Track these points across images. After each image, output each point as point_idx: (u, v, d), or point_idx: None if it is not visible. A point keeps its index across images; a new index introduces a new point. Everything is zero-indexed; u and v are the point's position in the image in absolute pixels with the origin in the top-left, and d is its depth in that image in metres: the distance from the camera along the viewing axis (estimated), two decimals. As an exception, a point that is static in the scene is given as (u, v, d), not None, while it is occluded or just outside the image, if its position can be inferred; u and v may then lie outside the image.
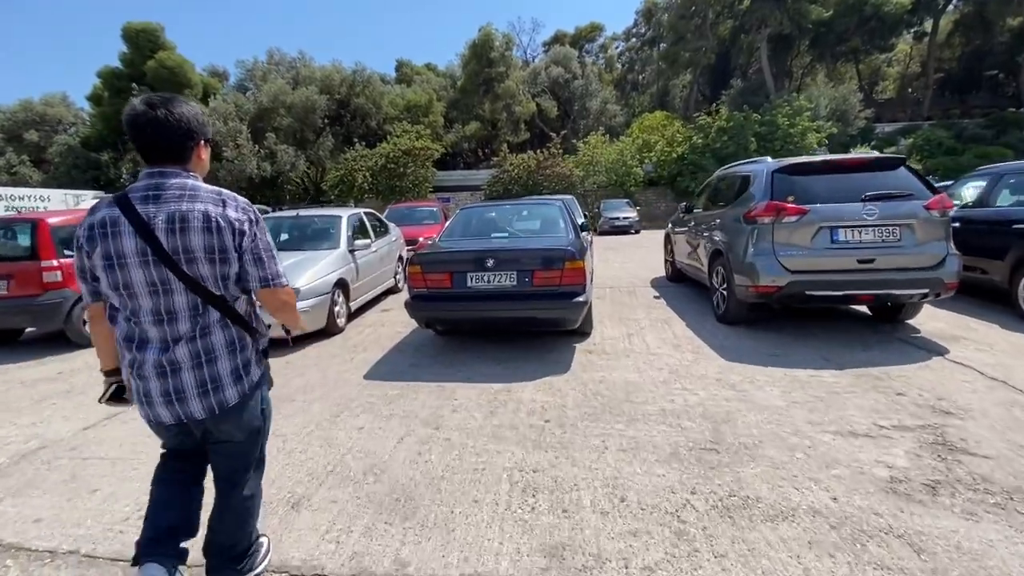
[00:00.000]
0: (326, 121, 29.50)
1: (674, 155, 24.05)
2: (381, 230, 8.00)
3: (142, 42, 28.65)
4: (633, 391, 3.65)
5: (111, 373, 1.69)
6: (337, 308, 5.71)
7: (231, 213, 1.54)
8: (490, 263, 4.27)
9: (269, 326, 1.80)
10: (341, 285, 5.86)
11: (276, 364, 4.65)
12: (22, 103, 32.05)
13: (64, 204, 22.75)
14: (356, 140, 27.27)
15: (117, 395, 1.70)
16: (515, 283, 4.27)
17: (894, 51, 38.18)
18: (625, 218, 19.57)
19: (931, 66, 34.66)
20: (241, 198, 1.62)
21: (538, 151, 24.28)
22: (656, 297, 7.06)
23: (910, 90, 39.25)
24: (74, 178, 28.57)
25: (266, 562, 1.97)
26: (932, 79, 35.00)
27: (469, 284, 4.35)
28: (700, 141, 23.39)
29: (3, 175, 28.16)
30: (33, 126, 29.85)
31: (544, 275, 4.25)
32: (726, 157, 22.81)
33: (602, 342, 4.93)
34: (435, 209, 13.34)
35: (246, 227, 1.55)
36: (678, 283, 8.00)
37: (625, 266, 10.57)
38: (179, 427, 1.63)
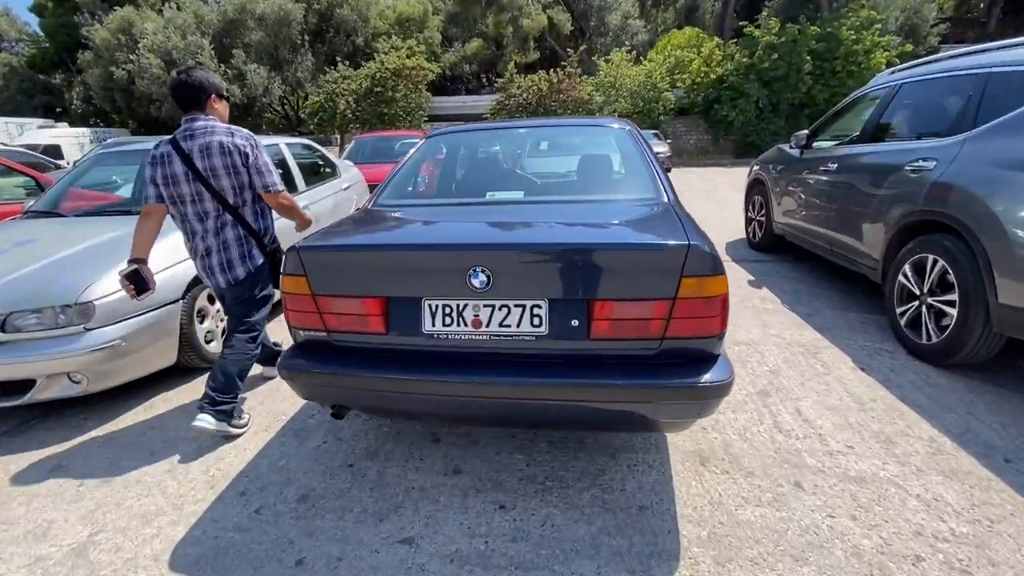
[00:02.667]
0: (305, 37, 25.43)
1: (711, 77, 20.32)
2: (323, 172, 5.25)
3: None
4: None
5: (136, 261, 2.23)
6: (204, 325, 3.14)
7: (238, 141, 2.28)
8: (481, 278, 1.62)
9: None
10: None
11: None
12: (-41, 16, 27.91)
13: (7, 134, 19.69)
14: (340, 60, 23.48)
15: (134, 277, 2.20)
16: (544, 328, 1.65)
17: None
18: (656, 153, 16.39)
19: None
20: (244, 130, 2.37)
21: (551, 71, 20.61)
22: (754, 283, 4.41)
23: (967, 12, 33.75)
24: (20, 104, 25.20)
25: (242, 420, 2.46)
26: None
27: (430, 327, 1.73)
28: (745, 60, 19.58)
29: (-62, 100, 24.81)
30: (-31, 43, 26.07)
31: (626, 311, 1.61)
32: (774, 80, 19.25)
33: (718, 425, 2.38)
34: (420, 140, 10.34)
35: (248, 150, 2.28)
36: (772, 253, 5.33)
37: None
38: (218, 290, 2.42)
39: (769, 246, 5.34)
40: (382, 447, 2.30)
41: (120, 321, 2.62)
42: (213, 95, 2.33)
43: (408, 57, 20.71)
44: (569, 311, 1.65)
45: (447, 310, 1.72)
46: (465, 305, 1.70)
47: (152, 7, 25.25)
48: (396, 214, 2.19)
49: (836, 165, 3.85)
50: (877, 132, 3.56)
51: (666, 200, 2.12)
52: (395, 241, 1.72)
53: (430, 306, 1.73)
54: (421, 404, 1.83)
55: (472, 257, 1.63)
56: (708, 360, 1.65)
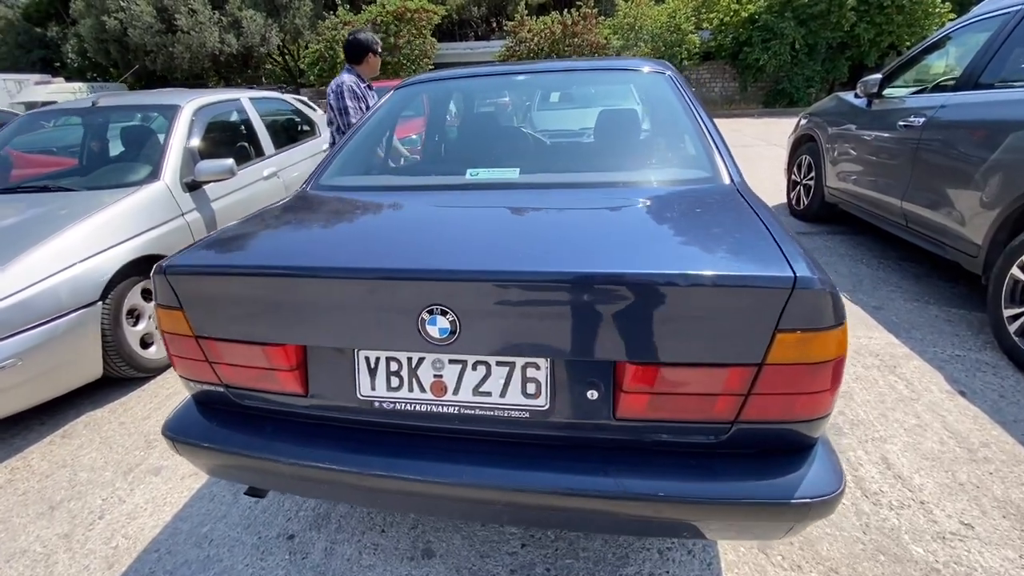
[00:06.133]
0: (303, -21, 23.76)
1: (742, 16, 18.52)
2: (300, 131, 4.56)
3: None
4: None
5: None
6: (138, 327, 2.58)
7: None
8: (441, 324, 0.99)
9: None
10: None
11: None
12: (-54, -37, 26.50)
13: (5, 92, 18.99)
14: (340, 3, 21.97)
15: None
16: (544, 400, 1.04)
17: None
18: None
19: None
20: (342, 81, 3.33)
21: (564, 12, 19.01)
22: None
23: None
24: (18, 59, 24.31)
25: None
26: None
27: (368, 391, 1.13)
28: (781, -6, 17.71)
29: (-67, 56, 23.93)
30: (-41, -7, 24.83)
31: (676, 380, 0.99)
32: (811, 18, 17.50)
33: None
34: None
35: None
36: (821, 223, 4.58)
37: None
38: None
39: (818, 215, 4.58)
40: (334, 509, 1.76)
41: (16, 334, 2.07)
42: (369, 54, 3.45)
43: (411, -1, 19.21)
44: (583, 376, 1.03)
45: (393, 367, 1.11)
46: (420, 361, 1.10)
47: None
48: (332, 205, 1.53)
49: (922, 120, 3.05)
50: (987, 77, 2.74)
51: (728, 181, 1.44)
52: (306, 262, 1.10)
53: (367, 360, 1.12)
54: (364, 499, 1.26)
55: (426, 292, 1.01)
56: (802, 453, 1.04)
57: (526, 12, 20.19)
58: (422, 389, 1.10)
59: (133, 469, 2.03)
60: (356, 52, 3.41)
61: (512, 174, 1.53)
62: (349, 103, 3.30)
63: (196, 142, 3.17)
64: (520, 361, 1.05)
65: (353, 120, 3.26)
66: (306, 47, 23.01)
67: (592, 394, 1.03)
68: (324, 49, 19.87)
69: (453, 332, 1.01)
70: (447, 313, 1.00)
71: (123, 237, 2.54)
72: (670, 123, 1.76)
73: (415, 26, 19.09)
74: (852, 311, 2.96)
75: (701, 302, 0.93)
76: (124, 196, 2.67)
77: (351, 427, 1.19)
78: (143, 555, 1.64)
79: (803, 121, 4.91)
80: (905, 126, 3.18)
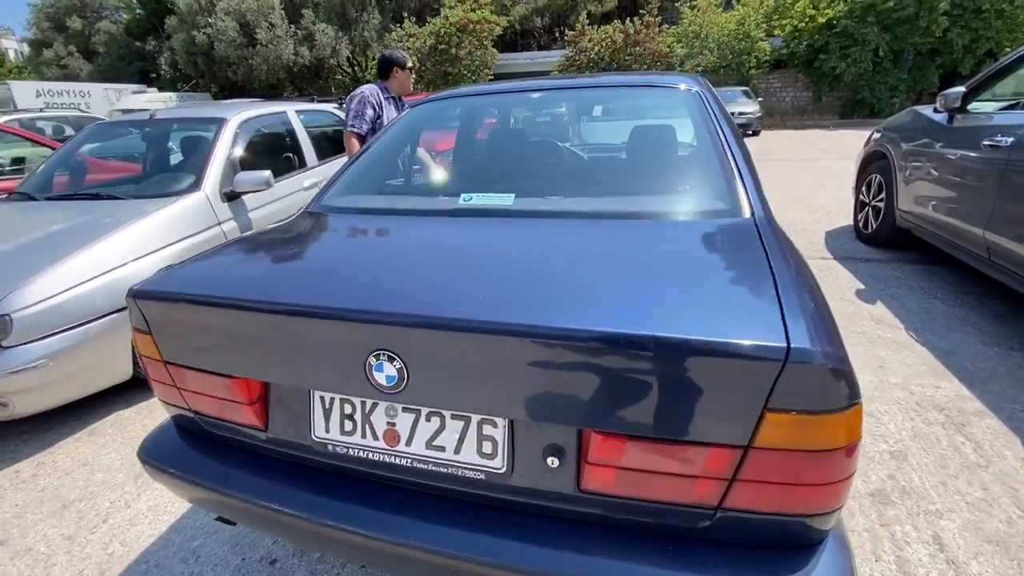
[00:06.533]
0: (374, -7, 24.88)
1: (818, 21, 17.49)
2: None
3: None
4: None
5: None
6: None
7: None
8: (387, 370, 0.91)
9: None
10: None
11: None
12: (60, -14, 29.78)
13: (106, 100, 21.08)
14: (407, 16, 22.77)
15: None
16: (501, 462, 0.93)
17: None
18: (741, 114, 14.44)
19: None
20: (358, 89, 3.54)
21: (627, 20, 18.72)
22: (865, 294, 3.34)
23: None
24: (119, 71, 26.86)
25: None
26: None
27: (323, 433, 1.05)
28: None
29: (53, 68, 26.86)
30: (75, 11, 27.74)
31: (649, 455, 0.84)
32: (897, 23, 16.27)
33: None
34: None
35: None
36: (891, 249, 4.15)
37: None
38: None
39: (888, 240, 4.16)
40: (319, 538, 1.71)
41: (49, 336, 2.19)
42: (396, 69, 3.67)
43: (473, 10, 19.56)
44: (545, 440, 0.91)
45: (347, 410, 1.04)
46: (373, 407, 1.01)
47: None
48: (319, 231, 1.49)
49: (1011, 139, 2.67)
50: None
51: (748, 215, 1.26)
52: (260, 295, 1.04)
53: (323, 401, 1.05)
54: (313, 545, 1.19)
55: (372, 335, 0.92)
56: (806, 550, 0.86)
57: (587, 22, 20.04)
58: (375, 437, 1.02)
59: (143, 473, 2.08)
60: (384, 67, 3.69)
61: (507, 200, 1.41)
62: (354, 106, 3.50)
63: (239, 154, 3.29)
64: (476, 417, 0.94)
65: (351, 122, 3.49)
66: (373, 59, 24.00)
67: (553, 461, 0.90)
68: (389, 60, 20.60)
69: (401, 380, 0.92)
70: (394, 359, 0.91)
71: (160, 245, 2.65)
72: (690, 146, 1.59)
73: (476, 37, 19.42)
74: (919, 354, 2.62)
75: (676, 370, 0.79)
76: (164, 205, 2.80)
77: (308, 467, 1.12)
78: (133, 566, 1.65)
79: (875, 136, 4.49)
80: (991, 146, 2.80)
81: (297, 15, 22.91)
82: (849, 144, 10.46)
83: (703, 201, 1.36)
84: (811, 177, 7.53)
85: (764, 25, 18.42)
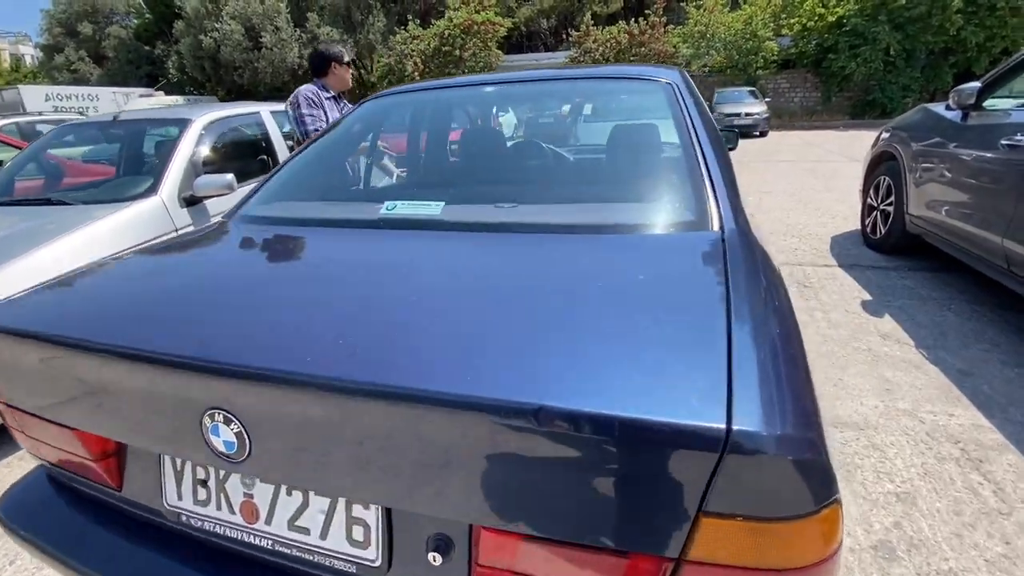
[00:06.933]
0: (378, -4, 24.85)
1: (828, 20, 17.11)
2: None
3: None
4: None
5: None
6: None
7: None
8: (225, 435, 0.70)
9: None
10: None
11: None
12: (72, -10, 30.07)
13: (114, 104, 21.24)
14: (411, 19, 22.71)
15: None
16: (375, 554, 0.72)
17: None
18: (748, 114, 14.13)
19: None
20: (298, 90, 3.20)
21: (632, 20, 18.47)
22: (871, 306, 3.09)
23: None
24: (128, 75, 27.08)
25: None
26: None
27: (175, 501, 0.85)
28: (873, -2, 16.20)
29: (64, 72, 27.13)
30: (86, 17, 28.03)
31: (553, 562, 0.62)
32: (909, 22, 15.84)
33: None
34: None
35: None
36: (901, 255, 3.88)
37: (762, 202, 6.22)
38: None
39: (897, 246, 3.89)
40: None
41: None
42: (333, 64, 3.39)
43: (477, 12, 19.43)
44: (428, 533, 0.70)
45: (200, 475, 0.83)
46: (227, 475, 0.81)
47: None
48: (215, 248, 1.28)
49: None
50: None
51: (716, 228, 1.04)
52: (92, 333, 0.82)
53: (173, 463, 0.85)
54: None
55: (203, 390, 0.72)
56: None
57: (592, 23, 19.82)
58: (231, 510, 0.81)
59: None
60: (319, 64, 3.37)
61: (434, 209, 1.20)
62: (305, 111, 3.21)
63: (203, 157, 3.12)
64: (342, 500, 0.73)
65: (310, 129, 3.17)
66: (378, 61, 23.98)
67: (435, 558, 0.69)
68: (394, 63, 20.55)
69: (243, 446, 0.71)
70: (231, 421, 0.70)
71: (105, 253, 2.47)
72: (654, 146, 1.36)
73: (481, 38, 19.28)
74: (930, 375, 2.37)
75: (587, 455, 0.57)
76: (115, 211, 2.62)
77: (167, 537, 0.92)
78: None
79: (884, 136, 4.23)
80: (1010, 146, 2.55)
81: (302, 18, 22.93)
82: (858, 144, 10.13)
83: (663, 211, 1.13)
84: (818, 179, 7.25)
85: (772, 24, 18.08)
